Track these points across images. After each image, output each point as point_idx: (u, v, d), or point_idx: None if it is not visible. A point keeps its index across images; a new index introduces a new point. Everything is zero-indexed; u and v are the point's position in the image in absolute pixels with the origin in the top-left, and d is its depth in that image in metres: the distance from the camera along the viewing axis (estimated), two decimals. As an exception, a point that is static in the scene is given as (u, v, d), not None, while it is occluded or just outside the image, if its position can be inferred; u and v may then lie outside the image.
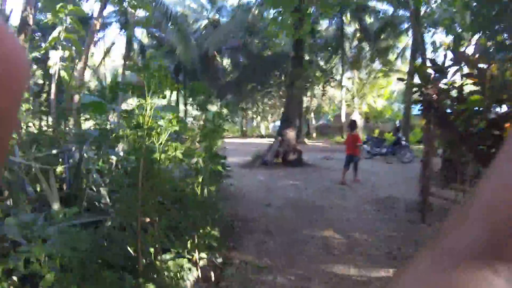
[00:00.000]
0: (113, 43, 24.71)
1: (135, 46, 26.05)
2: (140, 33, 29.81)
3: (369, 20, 23.13)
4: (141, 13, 24.88)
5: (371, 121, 29.63)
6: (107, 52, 24.95)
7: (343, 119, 24.37)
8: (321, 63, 25.82)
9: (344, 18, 22.79)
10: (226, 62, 30.58)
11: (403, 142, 13.40)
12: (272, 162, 10.44)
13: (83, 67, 19.08)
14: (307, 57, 23.77)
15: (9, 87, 0.24)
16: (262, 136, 28.58)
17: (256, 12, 21.14)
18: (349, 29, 25.15)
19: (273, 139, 11.63)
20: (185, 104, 30.26)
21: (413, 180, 9.00)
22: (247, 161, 11.70)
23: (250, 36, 24.48)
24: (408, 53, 25.06)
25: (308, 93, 26.21)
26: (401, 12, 20.95)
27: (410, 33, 22.28)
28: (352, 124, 8.90)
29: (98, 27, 19.54)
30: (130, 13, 23.95)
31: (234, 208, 5.98)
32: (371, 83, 26.80)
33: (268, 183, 8.15)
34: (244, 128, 33.22)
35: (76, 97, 17.77)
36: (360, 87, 26.42)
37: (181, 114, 30.70)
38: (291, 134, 11.17)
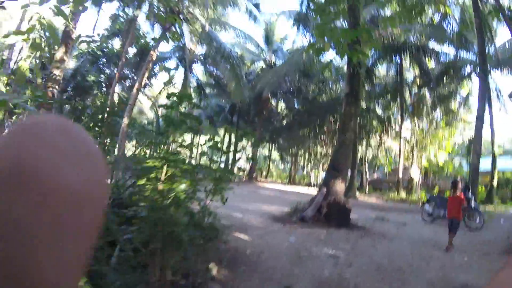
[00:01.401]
0: (172, 76, 24.93)
1: (193, 82, 26.09)
2: (198, 70, 30.21)
3: (429, 64, 20.54)
4: (199, 50, 25.22)
5: (430, 177, 25.77)
6: (167, 83, 25.17)
7: (400, 173, 21.13)
8: (379, 111, 23.35)
9: (403, 61, 20.48)
10: (280, 105, 29.42)
11: (473, 204, 10.37)
12: (312, 219, 8.13)
13: (136, 92, 19.07)
14: (364, 105, 21.70)
15: (97, 207, 0.28)
16: (310, 185, 26.03)
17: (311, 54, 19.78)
18: (409, 75, 22.67)
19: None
20: (235, 144, 29.16)
21: (492, 257, 6.35)
22: (283, 213, 9.49)
23: (305, 79, 23.07)
24: (470, 101, 21.89)
25: (364, 143, 23.55)
26: (463, 54, 18.27)
27: (472, 78, 19.36)
28: (455, 184, 7.60)
29: (154, 58, 19.67)
30: (188, 49, 24.33)
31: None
32: (432, 134, 23.45)
33: (299, 249, 5.86)
34: (292, 175, 30.93)
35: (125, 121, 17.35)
36: (420, 138, 23.14)
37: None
38: (339, 186, 8.86)
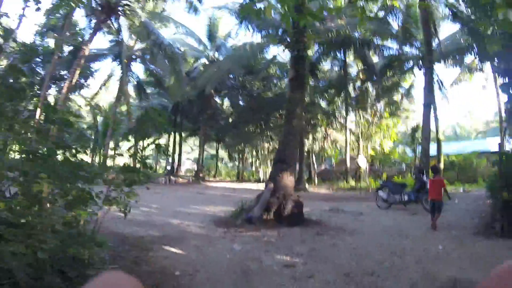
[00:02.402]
0: (110, 75, 22.19)
1: (133, 80, 23.56)
2: (139, 69, 27.53)
3: (373, 58, 20.59)
4: (137, 46, 22.77)
5: (376, 165, 26.26)
6: (103, 84, 22.38)
7: (348, 163, 20.95)
8: (324, 105, 23.04)
9: (347, 56, 20.28)
10: (225, 103, 27.99)
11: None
12: (261, 219, 6.84)
13: (66, 92, 16.30)
14: (309, 99, 21.16)
15: None
16: (259, 181, 24.98)
17: (255, 49, 18.64)
18: (353, 69, 22.65)
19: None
20: (180, 144, 27.12)
21: (466, 241, 5.74)
22: (228, 214, 8.10)
23: (249, 76, 21.90)
24: (413, 92, 22.59)
25: (310, 136, 23.06)
26: (407, 49, 18.48)
27: (415, 71, 19.79)
28: (435, 168, 7.86)
29: (86, 53, 17.04)
30: (125, 46, 21.77)
31: None
32: (377, 124, 23.81)
33: (245, 260, 4.50)
34: (241, 172, 29.70)
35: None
36: (365, 129, 23.31)
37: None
38: (288, 179, 7.69)
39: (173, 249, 5.09)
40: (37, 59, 21.17)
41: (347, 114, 21.06)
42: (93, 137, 25.91)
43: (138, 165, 3.83)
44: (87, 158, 30.19)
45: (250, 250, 5.00)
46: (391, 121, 23.93)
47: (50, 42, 20.23)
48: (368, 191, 16.95)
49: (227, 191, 16.81)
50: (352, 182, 19.98)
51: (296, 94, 8.03)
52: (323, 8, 4.66)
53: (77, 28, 19.57)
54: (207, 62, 23.15)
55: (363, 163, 21.53)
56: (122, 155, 31.13)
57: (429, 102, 14.70)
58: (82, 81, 23.10)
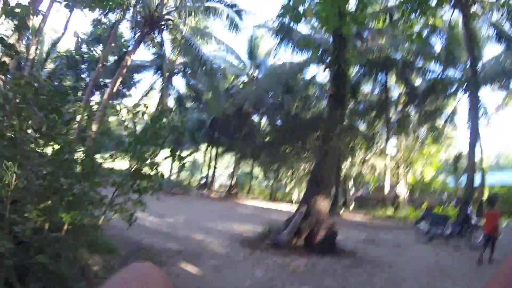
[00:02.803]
0: (151, 87, 22.98)
1: (173, 94, 24.21)
2: (180, 83, 28.06)
3: (415, 81, 19.45)
4: (178, 60, 23.46)
5: (416, 194, 24.31)
6: (145, 95, 23.19)
7: (386, 190, 19.49)
8: (363, 128, 21.94)
9: (388, 78, 19.30)
10: (262, 121, 27.75)
11: (475, 220, 8.82)
12: (289, 244, 6.20)
13: (107, 99, 16.96)
14: (348, 122, 20.27)
15: None
16: (292, 202, 24.03)
17: (295, 68, 18.36)
18: (394, 93, 21.49)
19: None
20: (216, 159, 27.15)
21: None
22: (255, 234, 7.53)
23: (287, 95, 21.53)
24: (456, 118, 20.83)
25: (348, 160, 21.91)
26: (450, 72, 17.28)
27: (459, 95, 18.34)
28: (493, 199, 7.08)
29: (128, 63, 17.75)
30: (167, 59, 22.53)
31: None
32: (418, 150, 22.15)
33: (267, 290, 3.93)
34: (274, 192, 28.92)
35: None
36: (406, 154, 21.69)
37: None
38: (322, 203, 6.99)
39: (188, 267, 4.64)
40: (83, 66, 22.59)
41: (387, 138, 19.80)
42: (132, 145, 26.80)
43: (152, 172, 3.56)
44: (124, 164, 31.26)
45: (273, 278, 4.41)
46: (433, 148, 22.19)
47: (97, 52, 21.56)
48: (406, 221, 15.61)
49: (258, 210, 16.22)
50: (390, 211, 18.55)
51: (336, 112, 7.44)
52: (366, 15, 4.16)
53: (122, 40, 20.64)
54: (246, 80, 23.22)
55: (402, 191, 20.03)
56: (158, 164, 31.91)
57: (475, 128, 13.43)
58: (125, 90, 24.24)
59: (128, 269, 0.39)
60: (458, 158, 24.32)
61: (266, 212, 15.71)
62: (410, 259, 6.56)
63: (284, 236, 6.20)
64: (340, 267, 5.30)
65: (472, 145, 13.18)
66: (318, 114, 21.19)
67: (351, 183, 24.49)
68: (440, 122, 20.46)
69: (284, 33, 14.58)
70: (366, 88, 21.46)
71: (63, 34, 17.34)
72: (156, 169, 3.54)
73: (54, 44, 21.99)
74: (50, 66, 22.01)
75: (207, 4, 16.46)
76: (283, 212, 14.05)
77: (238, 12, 16.52)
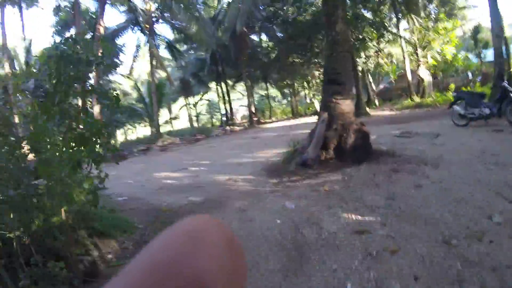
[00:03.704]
0: (138, 45, 21.18)
1: (162, 43, 22.30)
2: (164, 30, 26.00)
3: None
4: (153, 7, 20.99)
5: (439, 76, 22.31)
6: (135, 56, 21.60)
7: (409, 77, 17.77)
8: (369, 16, 19.31)
9: None
10: (262, 39, 25.43)
11: None
12: (318, 160, 5.40)
13: (96, 75, 15.86)
14: (350, 13, 17.80)
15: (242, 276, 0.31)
16: (316, 113, 23.07)
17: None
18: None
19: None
20: (228, 93, 25.99)
21: None
22: (279, 158, 6.81)
23: (278, 2, 18.95)
24: None
25: (362, 55, 19.86)
26: None
27: None
28: None
29: (102, 31, 16.04)
30: (140, 10, 20.17)
31: None
32: (433, 29, 19.57)
33: (299, 227, 3.21)
34: (295, 107, 27.87)
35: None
36: (422, 35, 19.26)
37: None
38: (345, 104, 5.94)
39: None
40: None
41: (398, 21, 17.39)
42: (143, 109, 26.07)
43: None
44: (146, 130, 31.26)
45: (306, 208, 3.69)
46: (448, 24, 19.38)
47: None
48: (435, 106, 14.49)
49: (283, 130, 15.49)
50: (417, 99, 17.14)
51: None
52: None
53: (90, 14, 18.57)
54: (230, 0, 20.59)
55: (425, 75, 18.25)
56: (177, 118, 31.47)
57: None
58: (114, 59, 22.70)
59: (186, 221, 0.31)
60: (476, 30, 21.50)
61: (291, 129, 15.00)
62: (454, 149, 5.60)
63: (310, 153, 5.38)
64: (381, 174, 4.48)
65: (493, 8, 10.96)
66: (317, 12, 18.70)
67: (370, 78, 22.73)
68: None
69: None
70: None
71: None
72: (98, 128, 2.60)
73: (28, 50, 20.40)
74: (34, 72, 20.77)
75: None
76: (308, 125, 13.17)
77: None
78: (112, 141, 3.83)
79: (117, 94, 2.72)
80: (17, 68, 20.47)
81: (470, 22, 24.37)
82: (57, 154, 2.14)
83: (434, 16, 19.57)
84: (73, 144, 2.29)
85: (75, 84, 2.42)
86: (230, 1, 20.04)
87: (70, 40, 2.45)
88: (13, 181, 2.38)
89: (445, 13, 19.17)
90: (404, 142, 6.76)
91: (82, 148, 2.36)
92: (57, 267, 2.34)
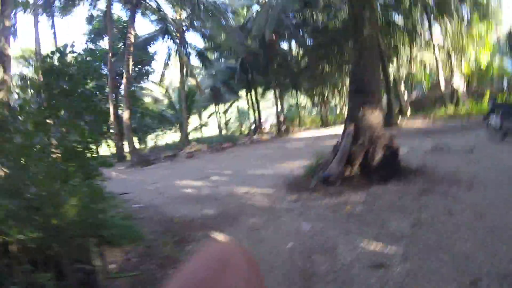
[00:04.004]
0: (169, 54, 21.72)
1: (193, 51, 22.72)
2: (194, 39, 26.60)
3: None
4: (183, 15, 21.43)
5: (474, 84, 20.82)
6: (166, 64, 22.14)
7: (442, 86, 16.70)
8: (400, 22, 18.48)
9: None
10: (292, 46, 25.16)
11: None
12: (341, 176, 5.02)
13: (126, 82, 16.37)
14: (381, 20, 17.16)
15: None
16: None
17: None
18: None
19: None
20: (257, 101, 25.92)
21: None
22: (303, 171, 6.47)
23: (308, 9, 18.68)
24: None
25: (394, 61, 19.03)
26: None
27: None
28: None
29: (132, 40, 16.61)
30: (170, 19, 20.67)
31: None
32: (467, 34, 18.35)
33: (312, 253, 2.89)
34: (324, 117, 27.17)
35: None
36: (455, 40, 18.11)
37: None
38: (373, 115, 5.51)
39: (221, 236, 3.81)
40: (98, 64, 22.06)
41: (430, 26, 16.47)
42: (174, 115, 26.67)
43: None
44: (176, 136, 31.97)
45: (323, 231, 3.35)
46: (482, 28, 18.04)
47: (103, 45, 20.63)
48: (470, 117, 13.59)
49: (310, 140, 15.07)
50: (451, 108, 16.16)
51: None
52: None
53: (121, 22, 19.33)
54: (259, 8, 20.61)
55: (459, 83, 17.09)
56: (206, 125, 31.85)
57: None
58: (147, 67, 23.46)
59: (208, 250, 0.35)
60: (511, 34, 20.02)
61: (319, 140, 14.55)
62: (491, 166, 5.01)
63: (333, 168, 5.02)
64: (409, 195, 4.03)
65: None
66: (347, 20, 18.23)
67: (402, 87, 21.68)
68: None
69: None
70: None
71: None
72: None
73: (61, 58, 21.60)
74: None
75: None
76: (337, 136, 12.70)
77: None
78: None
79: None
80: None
81: (505, 25, 22.71)
82: (45, 168, 2.03)
83: (468, 19, 18.43)
84: (63, 158, 2.17)
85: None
86: (258, 9, 20.07)
87: (57, 53, 2.35)
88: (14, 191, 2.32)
89: (479, 16, 17.96)
90: (436, 157, 6.18)
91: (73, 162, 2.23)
92: (44, 278, 2.24)
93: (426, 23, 17.74)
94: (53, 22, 15.26)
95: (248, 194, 5.80)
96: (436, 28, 18.00)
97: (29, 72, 21.37)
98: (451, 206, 3.49)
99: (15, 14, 15.56)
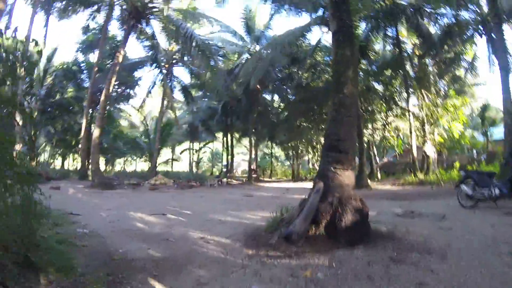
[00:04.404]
0: (154, 82, 21.56)
1: (178, 85, 22.71)
2: (181, 73, 26.97)
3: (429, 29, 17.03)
4: (175, 49, 21.77)
5: (444, 154, 22.04)
6: (149, 91, 21.88)
7: (414, 152, 17.44)
8: (380, 89, 19.69)
9: (399, 30, 17.04)
10: (274, 98, 25.86)
11: None
12: (305, 235, 4.59)
13: (103, 100, 15.73)
14: (361, 85, 18.18)
15: None
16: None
17: (296, 34, 16.32)
18: (408, 46, 19.05)
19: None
20: (232, 145, 25.72)
21: None
22: (265, 223, 5.97)
23: (294, 65, 19.53)
24: (478, 64, 18.20)
25: (369, 126, 19.82)
26: (464, 14, 14.96)
27: (476, 40, 16.22)
28: None
29: (120, 60, 16.37)
30: (162, 50, 20.90)
31: None
32: (443, 105, 19.83)
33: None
34: (296, 170, 27.23)
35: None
36: (430, 111, 19.38)
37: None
38: (345, 175, 5.26)
39: (158, 286, 3.18)
40: (82, 76, 21.63)
41: (408, 96, 17.63)
42: (146, 144, 25.83)
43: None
44: (144, 165, 30.78)
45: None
46: (457, 101, 19.66)
47: (93, 58, 20.40)
48: (440, 185, 13.89)
49: (279, 192, 14.69)
50: (421, 175, 16.68)
51: (345, 50, 5.51)
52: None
53: (116, 41, 19.35)
54: (249, 57, 21.41)
55: (431, 151, 17.91)
56: (178, 160, 30.99)
57: (505, 67, 11.56)
58: (128, 91, 23.11)
59: None
60: (484, 109, 21.87)
61: (287, 192, 14.25)
62: (463, 235, 4.83)
63: (297, 226, 4.58)
64: (377, 264, 3.62)
65: (505, 85, 11.28)
66: (330, 81, 19.15)
67: (375, 150, 22.41)
68: (460, 72, 18.14)
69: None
70: (377, 46, 19.29)
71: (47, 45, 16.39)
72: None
73: (49, 59, 21.12)
74: (49, 81, 21.25)
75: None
76: (306, 190, 12.42)
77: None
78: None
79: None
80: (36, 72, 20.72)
81: (479, 100, 24.62)
82: None
83: (444, 93, 19.84)
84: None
85: None
86: (248, 58, 20.77)
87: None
88: None
89: (455, 90, 19.45)
90: (407, 222, 5.95)
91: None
92: None
93: (404, 93, 18.86)
94: (47, 20, 14.82)
95: (203, 241, 5.19)
96: (413, 98, 19.16)
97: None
98: (423, 278, 3.11)
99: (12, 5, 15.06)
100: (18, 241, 2.98)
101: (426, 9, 15.30)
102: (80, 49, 20.80)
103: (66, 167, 25.53)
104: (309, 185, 16.51)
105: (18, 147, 14.06)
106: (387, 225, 5.60)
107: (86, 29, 19.86)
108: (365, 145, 19.27)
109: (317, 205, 4.82)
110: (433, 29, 17.08)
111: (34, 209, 3.22)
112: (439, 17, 15.69)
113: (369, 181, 15.97)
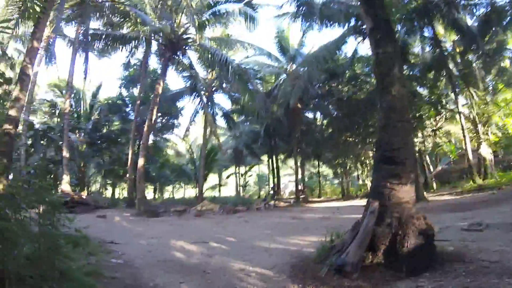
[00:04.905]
0: (196, 111, 22.12)
1: (219, 112, 23.07)
2: (222, 100, 27.72)
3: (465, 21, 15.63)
4: (214, 76, 22.19)
5: (500, 154, 19.37)
6: (192, 120, 22.47)
7: (470, 156, 15.38)
8: (425, 93, 18.08)
9: (436, 28, 15.68)
10: (317, 115, 25.02)
11: None
12: (358, 265, 3.79)
13: (146, 130, 16.24)
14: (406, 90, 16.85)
15: None
16: (367, 196, 20.67)
17: (331, 48, 15.76)
18: (448, 45, 17.46)
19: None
20: (277, 167, 25.10)
21: None
22: (314, 250, 5.21)
23: (333, 80, 18.77)
24: None
25: (418, 134, 18.12)
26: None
27: None
28: None
29: (160, 91, 16.95)
30: (201, 78, 21.41)
31: None
32: (493, 102, 17.86)
33: None
34: (345, 188, 25.63)
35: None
36: (482, 109, 17.45)
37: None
38: (404, 190, 4.38)
39: None
40: (127, 109, 22.96)
41: (456, 96, 15.91)
42: (193, 171, 26.40)
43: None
44: (192, 191, 31.37)
45: None
46: (509, 94, 17.69)
47: (136, 92, 21.61)
48: (501, 188, 12.49)
49: (328, 212, 13.64)
50: (479, 180, 14.88)
51: (386, 47, 4.76)
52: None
53: (156, 73, 20.35)
54: (286, 77, 21.12)
55: (487, 153, 16.08)
56: (224, 185, 31.08)
57: None
58: (172, 121, 23.98)
59: None
60: None
61: (338, 212, 13.22)
62: None
63: (351, 255, 3.81)
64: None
65: None
66: (371, 91, 18.01)
67: (427, 159, 20.41)
68: (506, 63, 16.27)
69: (304, 9, 12.72)
70: (415, 49, 18.06)
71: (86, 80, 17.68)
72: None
73: (94, 95, 22.88)
74: (96, 116, 22.92)
75: (214, 9, 15.48)
76: (358, 208, 11.22)
77: (249, 4, 15.11)
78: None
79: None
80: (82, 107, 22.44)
81: None
82: None
83: (492, 88, 17.86)
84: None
85: None
86: (285, 77, 20.43)
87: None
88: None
89: (503, 83, 17.34)
90: (475, 237, 4.84)
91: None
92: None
93: (451, 94, 17.31)
94: (87, 56, 15.94)
95: (243, 273, 4.61)
96: (461, 98, 17.60)
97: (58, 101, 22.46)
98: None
99: (54, 41, 16.54)
100: (33, 272, 2.73)
101: (460, 0, 14.16)
102: (123, 84, 22.24)
103: (116, 196, 26.77)
104: (360, 202, 15.27)
105: (67, 178, 15.01)
106: (454, 242, 4.58)
107: (127, 65, 21.29)
108: (417, 154, 17.57)
109: (373, 228, 4.03)
110: (470, 21, 16.02)
111: (54, 239, 3.01)
112: (474, 8, 14.74)
113: (424, 193, 14.31)
